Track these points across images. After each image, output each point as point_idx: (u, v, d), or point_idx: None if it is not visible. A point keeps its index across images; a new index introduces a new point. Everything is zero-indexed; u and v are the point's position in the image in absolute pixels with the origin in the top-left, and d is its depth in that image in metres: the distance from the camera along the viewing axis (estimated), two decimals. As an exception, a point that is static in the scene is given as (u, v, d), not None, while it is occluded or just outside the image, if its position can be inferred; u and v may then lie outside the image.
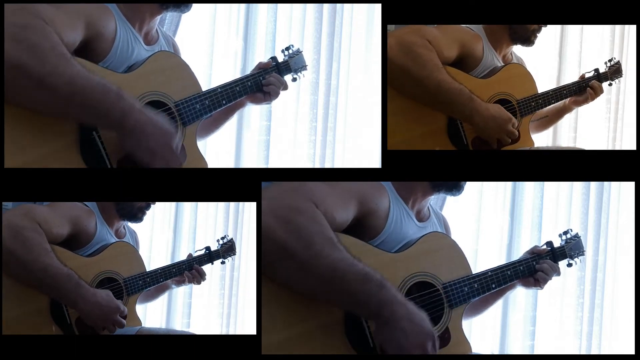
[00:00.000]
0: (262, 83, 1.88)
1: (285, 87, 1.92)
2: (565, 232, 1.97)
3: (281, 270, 1.61)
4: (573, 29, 2.84)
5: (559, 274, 1.92)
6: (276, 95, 1.90)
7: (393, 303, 1.60)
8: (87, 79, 1.61)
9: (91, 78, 1.62)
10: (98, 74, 1.65)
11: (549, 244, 1.94)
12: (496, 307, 2.07)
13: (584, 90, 2.08)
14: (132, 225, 2.22)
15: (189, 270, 2.15)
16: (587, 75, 2.10)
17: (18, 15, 1.58)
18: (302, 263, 1.58)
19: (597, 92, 2.08)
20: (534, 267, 1.89)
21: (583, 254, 1.97)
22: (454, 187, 1.84)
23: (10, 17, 1.58)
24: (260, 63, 1.92)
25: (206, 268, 2.21)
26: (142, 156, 1.68)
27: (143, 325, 2.07)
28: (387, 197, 1.78)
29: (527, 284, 1.91)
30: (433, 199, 1.93)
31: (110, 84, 1.64)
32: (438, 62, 1.87)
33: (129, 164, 1.72)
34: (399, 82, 1.88)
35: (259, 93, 1.89)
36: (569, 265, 1.95)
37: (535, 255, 1.92)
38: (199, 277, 2.18)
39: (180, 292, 2.79)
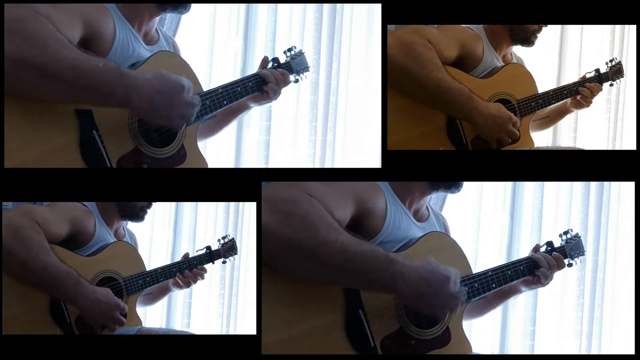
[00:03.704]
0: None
1: (286, 82, 1.93)
2: (566, 232, 1.97)
3: (290, 264, 1.61)
4: (573, 29, 2.83)
5: (560, 267, 1.92)
6: (273, 84, 1.89)
7: (403, 273, 1.61)
8: (88, 61, 1.63)
9: (92, 59, 1.64)
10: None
11: (549, 243, 1.94)
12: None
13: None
14: (131, 226, 2.22)
15: (189, 270, 2.15)
16: (588, 76, 2.11)
17: (11, 10, 1.61)
18: (311, 251, 1.59)
19: (594, 91, 2.08)
20: (534, 266, 1.89)
21: (583, 254, 1.97)
22: (452, 184, 1.84)
23: (4, 14, 1.61)
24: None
25: (207, 268, 2.21)
26: (160, 120, 1.70)
27: (143, 325, 2.07)
28: (383, 198, 1.77)
29: (529, 284, 1.91)
30: (433, 199, 1.93)
31: (110, 61, 1.67)
32: (438, 61, 1.87)
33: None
34: (399, 82, 1.88)
35: (259, 92, 1.90)
36: (569, 265, 1.94)
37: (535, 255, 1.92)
38: (194, 278, 2.17)
39: (180, 292, 2.78)
